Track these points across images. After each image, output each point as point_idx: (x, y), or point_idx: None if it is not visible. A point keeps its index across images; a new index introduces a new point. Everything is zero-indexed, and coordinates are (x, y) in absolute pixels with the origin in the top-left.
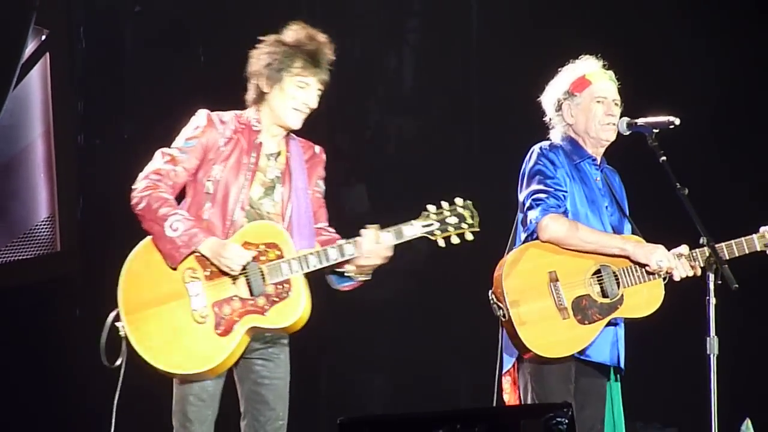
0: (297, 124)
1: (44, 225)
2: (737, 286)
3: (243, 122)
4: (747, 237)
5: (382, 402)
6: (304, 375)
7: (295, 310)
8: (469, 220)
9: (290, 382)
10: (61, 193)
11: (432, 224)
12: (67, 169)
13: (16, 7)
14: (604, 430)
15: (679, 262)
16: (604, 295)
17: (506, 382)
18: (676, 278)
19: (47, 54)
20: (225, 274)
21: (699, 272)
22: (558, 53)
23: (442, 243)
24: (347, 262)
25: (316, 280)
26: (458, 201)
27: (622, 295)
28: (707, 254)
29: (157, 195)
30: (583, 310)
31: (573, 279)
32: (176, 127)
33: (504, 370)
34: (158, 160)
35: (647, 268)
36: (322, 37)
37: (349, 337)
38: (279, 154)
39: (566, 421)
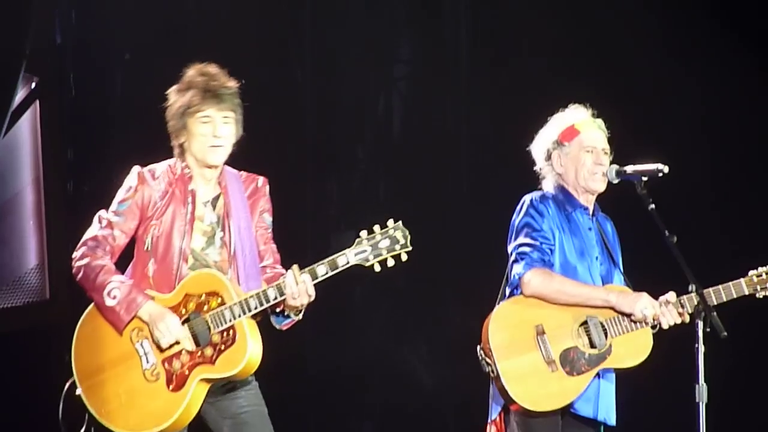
0: (218, 160)
1: (33, 273)
2: (726, 334)
3: (176, 172)
4: (734, 281)
5: None
6: (292, 422)
7: (242, 355)
8: (402, 241)
9: None
10: (51, 241)
11: (365, 250)
12: (56, 217)
13: (6, 54)
14: None
15: (666, 309)
16: (592, 345)
17: (494, 427)
18: (665, 326)
19: (37, 101)
20: None
21: (687, 319)
22: (549, 101)
23: (377, 267)
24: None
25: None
26: (389, 223)
27: (611, 345)
28: (696, 301)
29: (94, 264)
30: (571, 362)
31: (560, 331)
32: None
33: (490, 419)
34: (95, 226)
35: (632, 317)
36: (212, 69)
37: (337, 383)
38: (217, 198)
39: None
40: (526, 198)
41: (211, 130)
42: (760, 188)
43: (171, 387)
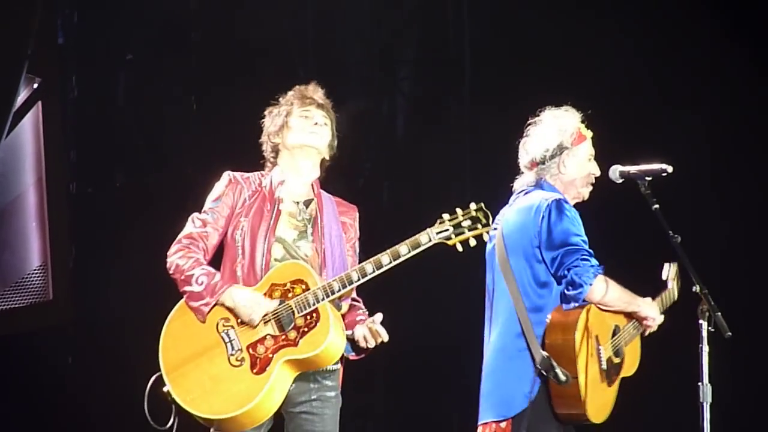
0: (315, 142)
1: (37, 273)
2: (730, 334)
3: (266, 179)
4: None
5: None
6: None
7: (324, 336)
8: (483, 221)
9: None
10: (54, 241)
11: (447, 229)
12: (59, 218)
13: (9, 55)
14: None
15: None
16: (617, 354)
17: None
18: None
19: (39, 102)
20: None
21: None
22: (554, 102)
23: (459, 247)
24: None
25: None
26: (472, 205)
27: (624, 355)
28: (701, 302)
29: (187, 255)
30: (608, 372)
31: (605, 341)
32: (167, 176)
33: (500, 418)
34: (189, 225)
35: (647, 322)
36: (312, 84)
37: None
38: (309, 201)
39: None
40: (550, 200)
41: (311, 122)
42: (762, 186)
43: (255, 370)
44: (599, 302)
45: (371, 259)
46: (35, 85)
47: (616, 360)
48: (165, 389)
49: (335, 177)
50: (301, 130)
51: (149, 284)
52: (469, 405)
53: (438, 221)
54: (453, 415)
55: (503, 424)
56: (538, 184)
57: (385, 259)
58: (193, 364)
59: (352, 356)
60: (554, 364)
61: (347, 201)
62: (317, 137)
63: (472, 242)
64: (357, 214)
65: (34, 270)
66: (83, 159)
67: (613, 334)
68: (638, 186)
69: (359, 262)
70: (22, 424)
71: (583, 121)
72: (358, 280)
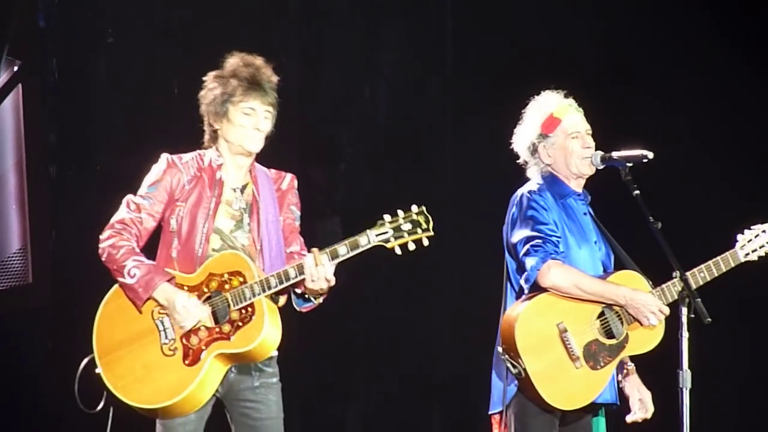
0: (256, 147)
1: (16, 257)
2: (710, 320)
3: (205, 159)
4: (730, 251)
5: None
6: None
7: (258, 332)
8: (424, 225)
9: None
10: (34, 224)
11: (387, 232)
12: (39, 201)
13: None
14: None
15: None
16: (610, 336)
17: (495, 421)
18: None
19: (19, 85)
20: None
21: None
22: (535, 88)
23: (398, 251)
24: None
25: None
26: (413, 208)
27: (627, 333)
28: (679, 288)
29: (118, 244)
30: (594, 355)
31: (581, 326)
32: (148, 160)
33: (494, 411)
34: (123, 209)
35: (641, 313)
36: (258, 61)
37: (321, 367)
38: (245, 186)
39: None
40: (522, 191)
41: (254, 122)
42: (741, 173)
43: (187, 361)
44: (551, 287)
45: (311, 255)
46: (15, 68)
47: (609, 342)
48: (97, 371)
49: (315, 163)
50: (242, 134)
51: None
52: (449, 390)
53: (378, 222)
54: (433, 400)
55: (497, 416)
56: (542, 174)
57: (325, 257)
58: (126, 349)
59: (305, 308)
60: (505, 357)
61: (326, 187)
62: (257, 143)
63: (411, 246)
64: (295, 182)
65: (14, 253)
66: (63, 142)
67: (600, 316)
68: (619, 172)
69: (300, 230)
70: (0, 407)
71: (567, 96)
72: (295, 277)
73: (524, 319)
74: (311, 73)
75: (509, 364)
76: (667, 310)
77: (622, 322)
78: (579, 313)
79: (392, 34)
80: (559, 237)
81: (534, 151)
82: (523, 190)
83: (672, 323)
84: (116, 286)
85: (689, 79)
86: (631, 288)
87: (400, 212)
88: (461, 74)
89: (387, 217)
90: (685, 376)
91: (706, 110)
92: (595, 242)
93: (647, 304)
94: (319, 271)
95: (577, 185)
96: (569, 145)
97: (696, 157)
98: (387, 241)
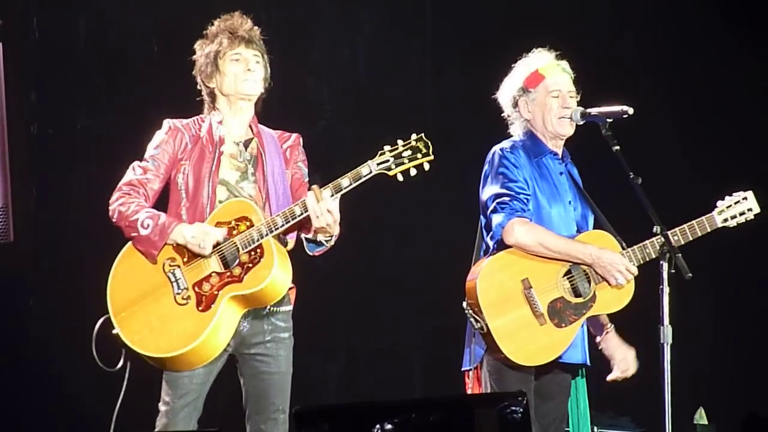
0: (252, 89)
1: None
2: (691, 275)
3: (205, 122)
4: (707, 215)
5: (336, 392)
6: None
7: (268, 271)
8: (424, 150)
9: None
10: (14, 183)
11: (388, 160)
12: (20, 160)
13: None
14: (565, 426)
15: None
16: (577, 294)
17: (469, 379)
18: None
19: (0, 44)
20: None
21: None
22: (516, 44)
23: (400, 177)
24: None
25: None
26: (413, 136)
27: (595, 293)
28: (661, 243)
29: (128, 201)
30: (558, 313)
31: (546, 283)
32: (129, 119)
33: (468, 368)
34: (129, 173)
35: (609, 273)
36: (235, 15)
37: (303, 326)
38: (249, 140)
39: (521, 409)
40: (496, 148)
41: (243, 66)
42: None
43: (201, 308)
44: (515, 245)
45: (312, 192)
46: None
47: (576, 300)
48: (114, 332)
49: (296, 120)
50: (235, 78)
51: (110, 226)
52: (432, 343)
53: (379, 152)
54: (415, 353)
55: (471, 373)
56: (523, 131)
57: (327, 192)
58: (140, 305)
59: (317, 252)
60: (469, 312)
61: (307, 144)
62: (251, 84)
63: (413, 172)
64: (300, 140)
65: None
66: (44, 100)
67: (567, 274)
68: (599, 128)
69: (308, 183)
70: None
71: (558, 57)
72: (301, 214)
73: (487, 274)
74: (290, 31)
75: (472, 320)
76: (635, 270)
77: (589, 281)
78: (544, 270)
79: None
80: (528, 195)
81: (515, 104)
82: (497, 147)
83: (653, 280)
84: (128, 246)
85: (674, 38)
86: (599, 247)
87: (400, 141)
88: (441, 31)
89: (387, 147)
90: (667, 332)
91: (691, 71)
92: (570, 202)
93: (614, 263)
94: (321, 206)
95: (554, 145)
96: (548, 103)
97: (677, 111)
98: (389, 168)
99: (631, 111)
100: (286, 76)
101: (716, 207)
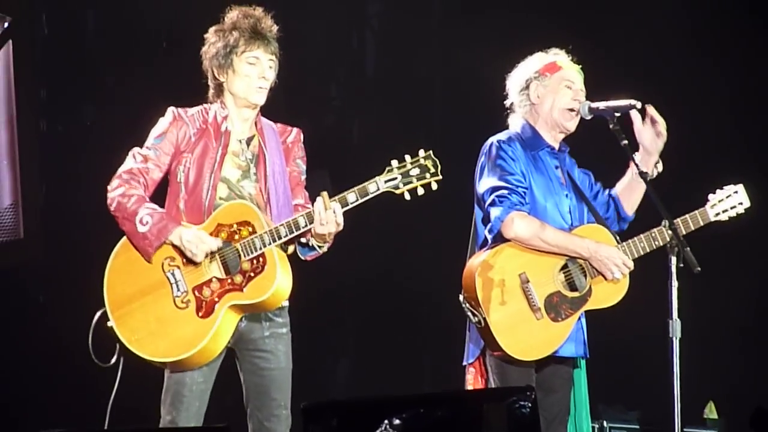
0: (260, 100)
1: (8, 212)
2: (699, 269)
3: (210, 113)
4: (700, 209)
5: (346, 387)
6: None
7: (270, 282)
8: (432, 169)
9: None
10: (24, 180)
11: (395, 178)
12: (30, 156)
13: None
14: (568, 417)
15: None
16: (573, 288)
17: (470, 373)
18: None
19: (10, 41)
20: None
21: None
22: (522, 40)
23: (407, 196)
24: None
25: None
26: (420, 152)
27: (590, 287)
28: (669, 237)
29: (128, 192)
30: (555, 307)
31: (543, 277)
32: (138, 114)
33: (469, 362)
34: (129, 160)
35: (605, 267)
36: (258, 11)
37: (313, 322)
38: (252, 138)
39: (529, 404)
40: (493, 140)
41: (258, 71)
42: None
43: (200, 314)
44: (514, 239)
45: (321, 199)
46: (6, 24)
47: (572, 294)
48: (109, 324)
49: (303, 113)
50: (248, 84)
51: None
52: (440, 344)
53: (386, 169)
54: (423, 349)
55: (472, 369)
56: (521, 123)
57: (334, 205)
58: (138, 303)
59: (309, 257)
60: (466, 306)
61: (315, 139)
62: (262, 94)
63: (420, 191)
64: (301, 135)
65: (6, 209)
66: (53, 97)
67: (563, 269)
68: (607, 122)
69: (305, 182)
70: None
71: (573, 60)
72: (305, 225)
73: (485, 269)
74: (299, 26)
75: (470, 313)
76: (631, 264)
77: (585, 276)
78: (541, 264)
79: None
80: (525, 188)
81: (526, 87)
82: (493, 138)
83: (662, 273)
84: (123, 239)
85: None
86: (595, 241)
87: (408, 157)
88: (449, 25)
89: (395, 163)
90: (675, 326)
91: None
92: (566, 195)
93: (611, 257)
94: (329, 214)
95: (552, 138)
96: (560, 91)
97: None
98: (396, 187)
99: (639, 105)
100: (294, 71)
101: (708, 201)
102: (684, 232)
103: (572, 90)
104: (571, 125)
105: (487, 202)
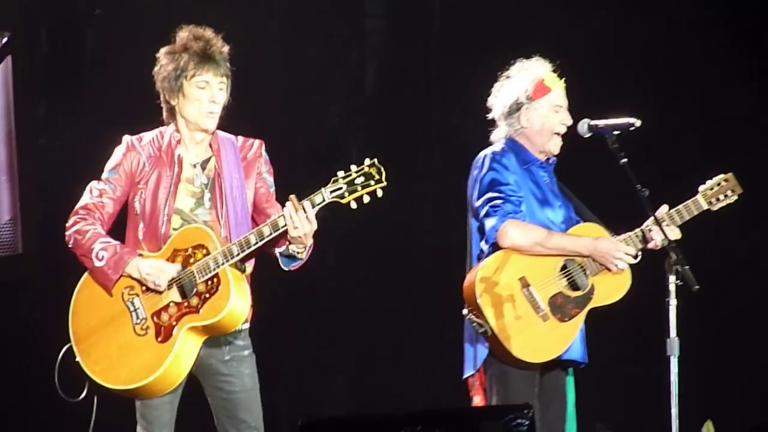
0: (211, 125)
1: (6, 227)
2: (698, 287)
3: (164, 138)
4: (692, 199)
5: (342, 403)
6: (264, 377)
7: (225, 302)
8: (377, 176)
9: None
10: (23, 195)
11: (341, 188)
12: (28, 172)
13: None
14: (564, 427)
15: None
16: (575, 288)
17: (472, 384)
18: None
19: (9, 57)
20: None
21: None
22: (520, 57)
23: (353, 204)
24: (284, 239)
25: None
26: (366, 161)
27: (592, 285)
28: (669, 255)
29: (83, 228)
30: (560, 307)
31: (543, 279)
32: (137, 131)
33: (470, 373)
34: (86, 195)
35: (609, 260)
36: (208, 33)
37: (309, 338)
38: (207, 160)
39: (526, 422)
40: (486, 153)
41: (209, 95)
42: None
43: (159, 339)
44: (511, 246)
45: (268, 222)
46: (5, 39)
47: (575, 294)
48: (77, 360)
49: (302, 131)
50: (199, 108)
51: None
52: (438, 360)
53: (332, 179)
54: (420, 370)
55: (472, 380)
56: (506, 138)
57: (281, 221)
58: (100, 334)
59: (292, 267)
60: (470, 317)
61: (315, 158)
62: (213, 119)
63: (366, 199)
64: (263, 148)
65: (4, 224)
66: (52, 113)
67: (563, 269)
68: (606, 140)
69: (275, 195)
70: None
71: (555, 71)
72: (256, 243)
73: (484, 277)
74: (297, 43)
75: (475, 324)
76: (633, 251)
77: (585, 274)
78: (540, 266)
79: (378, 3)
80: (520, 197)
81: (516, 109)
82: (486, 151)
83: (660, 291)
84: (86, 274)
85: (677, 43)
86: (593, 237)
87: (353, 167)
88: (447, 44)
89: (341, 173)
90: (674, 345)
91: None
92: (559, 206)
93: (611, 250)
94: (300, 216)
95: (540, 155)
96: (550, 117)
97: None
98: (342, 196)
99: (638, 123)
100: (292, 89)
101: (699, 191)
102: (679, 222)
103: (561, 113)
104: (556, 149)
105: (482, 214)
